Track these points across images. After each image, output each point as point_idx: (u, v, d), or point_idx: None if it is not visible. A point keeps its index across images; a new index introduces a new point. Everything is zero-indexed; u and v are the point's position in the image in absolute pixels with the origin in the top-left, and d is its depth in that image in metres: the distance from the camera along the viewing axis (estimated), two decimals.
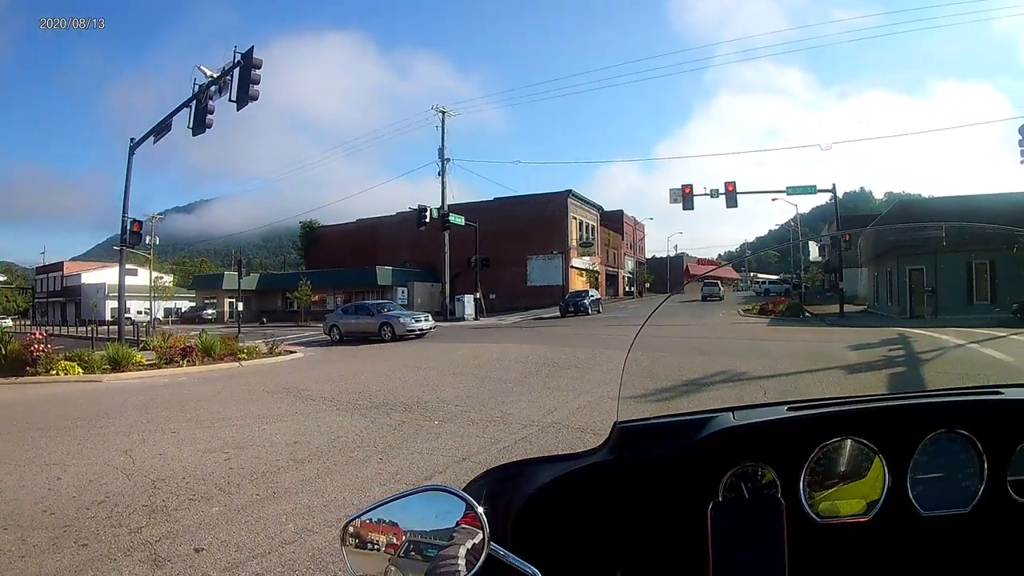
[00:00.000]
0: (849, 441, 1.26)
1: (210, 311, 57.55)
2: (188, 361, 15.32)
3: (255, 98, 18.98)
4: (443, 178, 40.08)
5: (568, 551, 1.25)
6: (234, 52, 19.19)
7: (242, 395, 10.88)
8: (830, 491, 1.25)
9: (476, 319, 38.88)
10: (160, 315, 51.55)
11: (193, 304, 63.19)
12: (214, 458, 6.42)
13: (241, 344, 17.86)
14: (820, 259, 47.31)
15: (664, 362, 11.80)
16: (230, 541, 4.16)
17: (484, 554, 0.96)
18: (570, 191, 56.32)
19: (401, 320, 23.61)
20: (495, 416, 7.90)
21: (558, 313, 36.25)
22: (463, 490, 1.19)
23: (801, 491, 1.23)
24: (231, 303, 52.62)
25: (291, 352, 18.70)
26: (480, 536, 0.97)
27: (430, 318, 25.45)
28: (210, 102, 19.77)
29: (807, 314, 23.45)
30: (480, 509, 0.99)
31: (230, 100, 19.23)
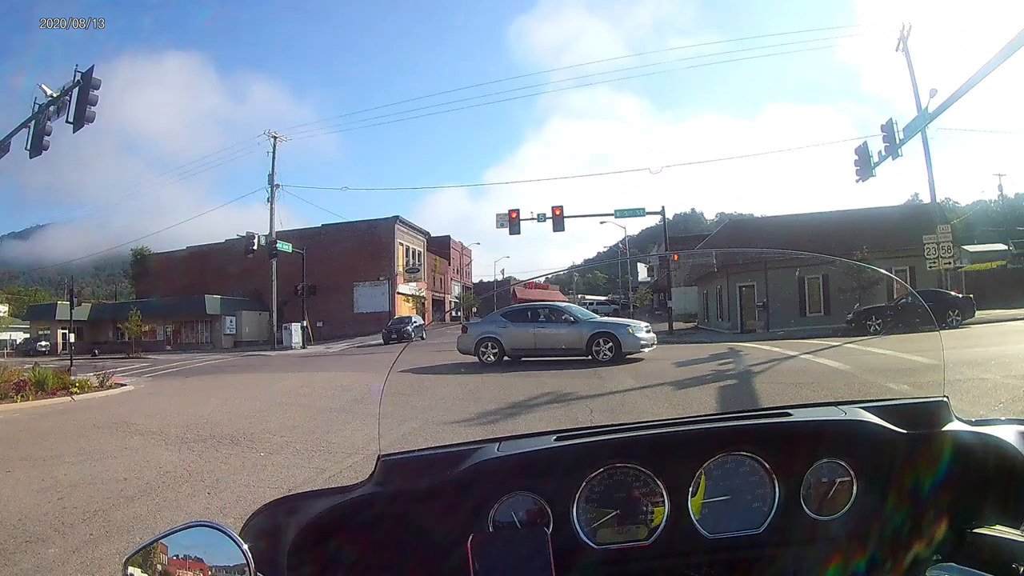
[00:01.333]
0: (629, 468, 1.27)
1: (44, 343, 54.91)
2: (22, 396, 14.93)
3: (91, 120, 18.21)
4: (272, 204, 40.28)
5: None
6: (75, 71, 18.34)
7: (74, 431, 10.90)
8: (608, 517, 1.26)
9: (303, 347, 39.16)
10: None
11: (28, 336, 59.45)
12: (48, 497, 6.47)
13: (73, 377, 17.44)
14: (649, 279, 47.32)
15: (489, 385, 12.76)
16: None
17: None
18: (397, 217, 57.03)
19: (630, 330, 14.37)
20: (321, 446, 8.16)
21: (381, 340, 36.01)
22: (247, 522, 1.29)
23: (574, 518, 1.25)
24: (64, 334, 49.93)
25: (121, 385, 18.53)
26: (247, 572, 1.00)
27: (651, 329, 15.26)
28: (48, 123, 18.76)
29: None
30: (245, 546, 1.01)
31: (67, 122, 18.32)
